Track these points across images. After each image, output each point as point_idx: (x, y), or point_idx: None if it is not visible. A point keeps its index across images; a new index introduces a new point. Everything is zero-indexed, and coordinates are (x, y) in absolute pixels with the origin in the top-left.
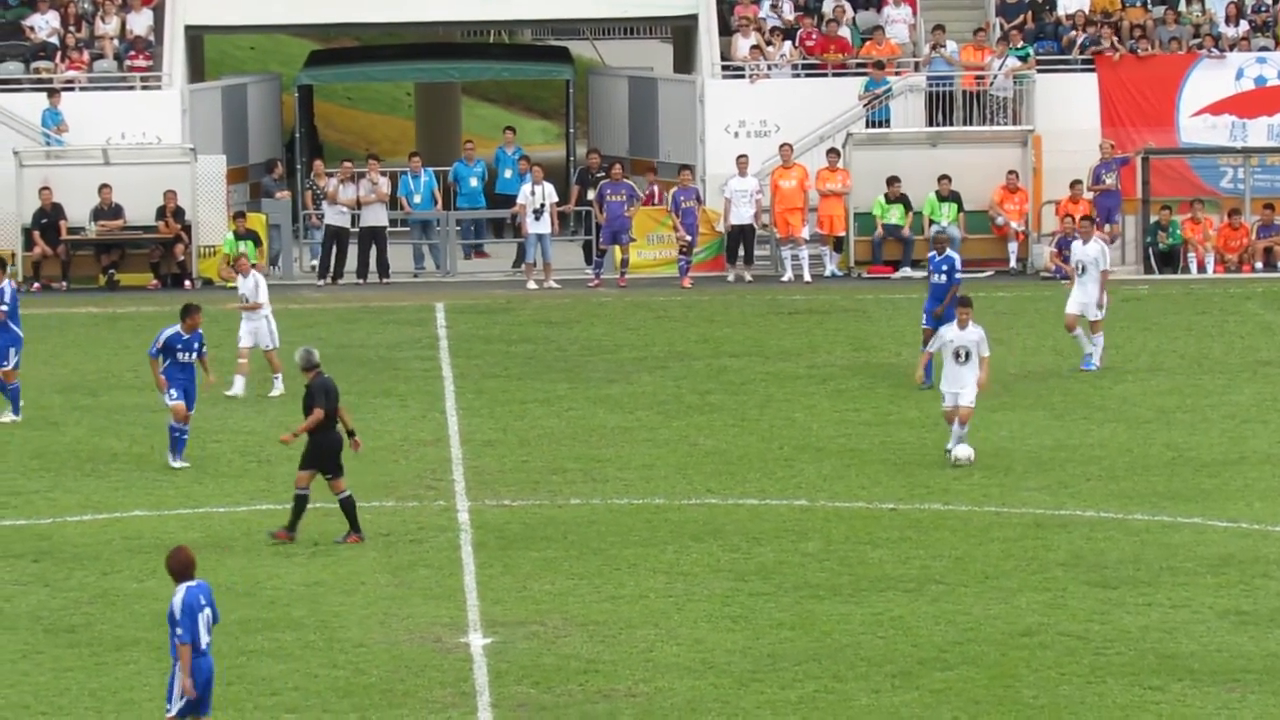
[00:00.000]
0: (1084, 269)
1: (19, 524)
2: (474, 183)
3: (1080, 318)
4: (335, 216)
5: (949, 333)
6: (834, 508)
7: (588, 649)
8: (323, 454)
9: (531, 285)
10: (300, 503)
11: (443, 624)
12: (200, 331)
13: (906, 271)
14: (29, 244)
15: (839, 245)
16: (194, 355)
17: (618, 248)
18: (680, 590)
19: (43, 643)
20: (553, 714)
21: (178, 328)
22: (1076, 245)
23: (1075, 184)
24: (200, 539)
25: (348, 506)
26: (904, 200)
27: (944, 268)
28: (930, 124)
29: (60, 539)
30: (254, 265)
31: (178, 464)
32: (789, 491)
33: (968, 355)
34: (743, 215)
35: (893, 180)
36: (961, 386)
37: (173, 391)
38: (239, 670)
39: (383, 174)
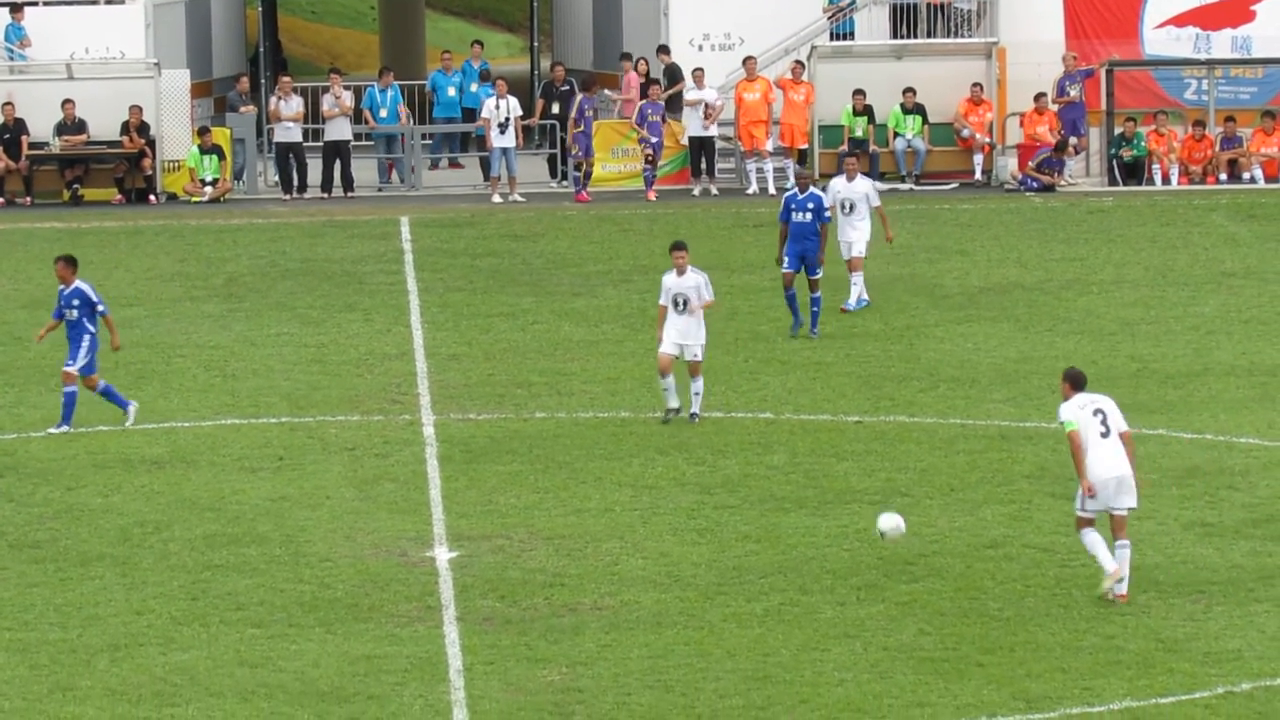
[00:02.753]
0: (852, 207)
1: None
2: (451, 92)
3: (857, 259)
4: (283, 133)
5: (668, 280)
6: (799, 420)
7: (553, 562)
8: None
9: (496, 199)
10: None
11: (408, 538)
12: (80, 287)
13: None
14: None
15: (802, 158)
16: (72, 312)
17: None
18: (646, 504)
19: (8, 558)
20: (518, 627)
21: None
22: (839, 182)
23: (1040, 96)
24: (165, 454)
25: None
26: (869, 112)
27: (809, 205)
28: (895, 37)
29: (25, 455)
30: (215, 181)
31: (57, 429)
32: (754, 404)
33: (686, 303)
34: (701, 127)
35: (858, 92)
36: (685, 337)
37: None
38: (204, 585)
39: (347, 88)
